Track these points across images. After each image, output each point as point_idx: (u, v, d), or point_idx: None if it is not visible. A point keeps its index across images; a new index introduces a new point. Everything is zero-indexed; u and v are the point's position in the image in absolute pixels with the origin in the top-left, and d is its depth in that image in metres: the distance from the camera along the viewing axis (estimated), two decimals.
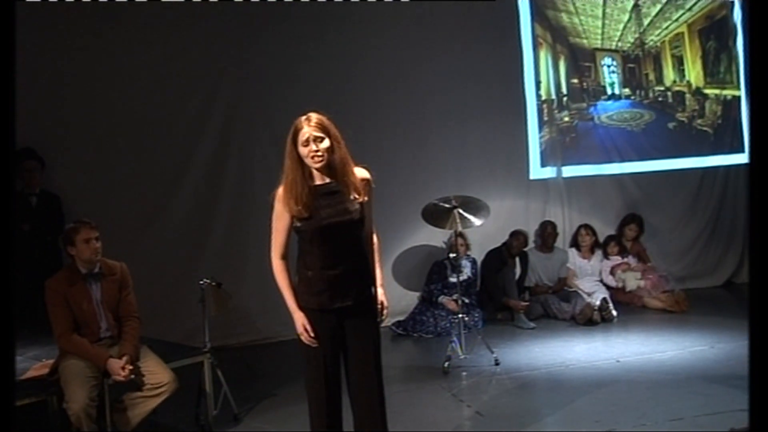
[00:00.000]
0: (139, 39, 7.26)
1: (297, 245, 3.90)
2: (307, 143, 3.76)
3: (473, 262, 8.16)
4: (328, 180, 3.84)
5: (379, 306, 4.00)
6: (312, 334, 3.84)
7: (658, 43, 9.42)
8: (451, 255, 7.69)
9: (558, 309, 8.07)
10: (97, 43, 7.12)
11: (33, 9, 6.59)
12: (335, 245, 3.82)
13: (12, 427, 2.80)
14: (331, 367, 3.90)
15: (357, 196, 3.84)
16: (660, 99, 9.46)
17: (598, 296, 8.06)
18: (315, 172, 3.84)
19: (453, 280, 7.54)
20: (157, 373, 4.75)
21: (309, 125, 3.78)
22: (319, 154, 3.76)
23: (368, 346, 3.96)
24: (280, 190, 3.82)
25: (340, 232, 3.81)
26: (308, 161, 3.78)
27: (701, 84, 9.54)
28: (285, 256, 3.88)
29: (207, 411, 5.27)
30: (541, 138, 8.96)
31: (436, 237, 8.07)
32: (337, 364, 3.93)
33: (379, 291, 4.01)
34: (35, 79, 6.72)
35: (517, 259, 8.41)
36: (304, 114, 3.83)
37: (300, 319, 3.84)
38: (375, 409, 3.98)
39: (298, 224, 3.82)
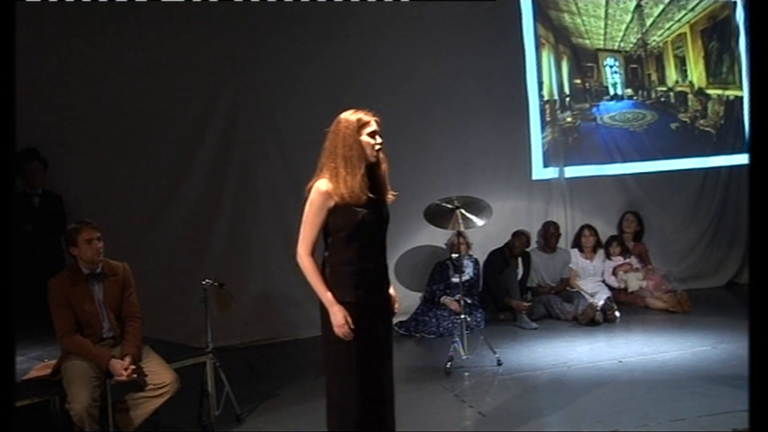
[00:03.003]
0: (142, 39, 7.25)
1: (326, 241, 3.99)
2: (373, 135, 3.94)
3: (475, 262, 8.16)
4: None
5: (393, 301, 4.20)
6: (352, 327, 3.89)
7: (661, 44, 9.41)
8: (454, 255, 7.69)
9: (560, 309, 8.07)
10: (99, 44, 7.13)
11: (35, 9, 6.60)
12: (371, 241, 3.97)
13: (12, 427, 2.81)
14: (363, 361, 3.97)
15: (387, 196, 4.07)
16: (662, 99, 9.46)
17: (600, 297, 8.06)
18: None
19: (455, 280, 7.55)
20: (160, 374, 4.76)
21: (373, 118, 3.98)
22: (380, 147, 3.96)
23: (390, 340, 4.14)
24: (324, 183, 3.89)
25: (375, 228, 3.97)
26: (371, 153, 3.93)
27: (704, 84, 9.54)
28: (313, 253, 3.95)
29: (209, 411, 5.27)
30: (543, 138, 8.97)
31: (438, 237, 8.08)
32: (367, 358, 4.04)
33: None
34: (38, 80, 6.73)
35: (520, 260, 8.41)
36: (352, 110, 4.01)
37: (341, 312, 3.87)
38: (391, 404, 4.14)
39: (339, 219, 3.89)
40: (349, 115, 3.96)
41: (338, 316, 3.86)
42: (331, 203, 3.87)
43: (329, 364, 4.03)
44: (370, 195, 3.92)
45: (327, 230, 3.95)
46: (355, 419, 3.96)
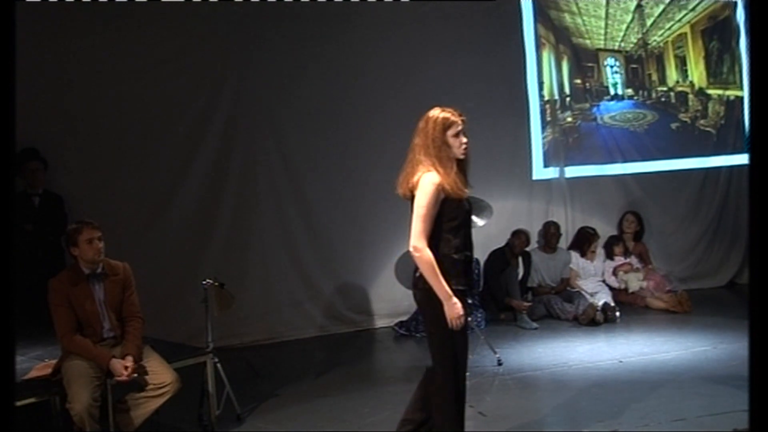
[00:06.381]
0: (142, 39, 7.24)
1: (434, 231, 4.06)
2: (458, 135, 4.10)
3: (476, 262, 8.14)
4: None
5: None
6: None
7: (661, 44, 9.41)
8: None
9: (561, 309, 8.07)
10: (100, 44, 7.12)
11: (35, 9, 6.59)
12: (468, 231, 4.16)
13: (12, 427, 2.81)
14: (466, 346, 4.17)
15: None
16: (663, 99, 9.45)
17: (600, 297, 8.07)
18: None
19: None
20: (160, 374, 4.76)
21: (460, 118, 4.13)
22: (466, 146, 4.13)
23: None
24: (435, 175, 4.01)
25: (469, 219, 4.18)
26: (458, 152, 4.10)
27: (704, 84, 9.54)
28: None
29: (210, 411, 5.27)
30: (544, 138, 8.96)
31: None
32: None
33: None
34: (38, 79, 6.71)
35: (520, 260, 8.40)
36: (440, 108, 4.18)
37: (458, 304, 3.97)
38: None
39: (449, 210, 4.02)
40: (437, 114, 4.12)
41: (457, 308, 3.96)
42: (442, 195, 4.00)
43: (447, 352, 4.07)
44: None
45: (436, 221, 4.04)
46: (459, 405, 4.14)
